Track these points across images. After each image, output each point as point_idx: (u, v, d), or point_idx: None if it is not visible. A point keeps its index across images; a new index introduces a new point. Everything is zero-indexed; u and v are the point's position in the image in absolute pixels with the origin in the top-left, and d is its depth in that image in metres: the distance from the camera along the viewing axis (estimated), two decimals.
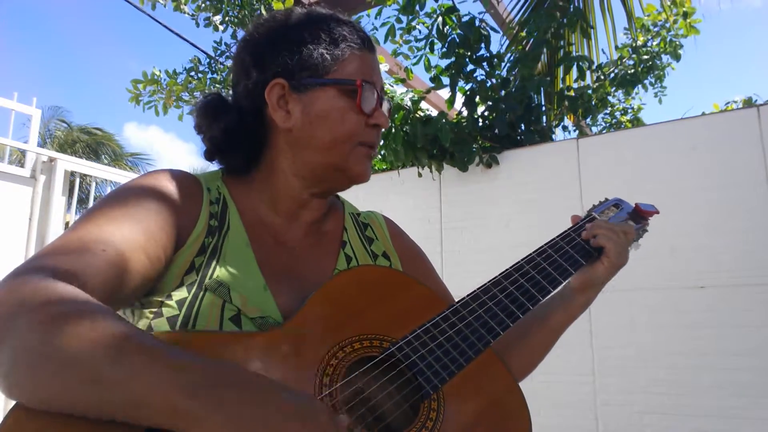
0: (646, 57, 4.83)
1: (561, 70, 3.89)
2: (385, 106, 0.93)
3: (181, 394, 0.54)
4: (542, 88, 3.49)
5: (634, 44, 4.93)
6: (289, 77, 0.87)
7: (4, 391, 0.58)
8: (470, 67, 3.57)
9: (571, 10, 3.65)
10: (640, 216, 1.10)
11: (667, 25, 4.83)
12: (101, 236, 0.71)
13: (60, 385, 0.55)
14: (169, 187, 0.83)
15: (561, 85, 4.05)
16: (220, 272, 0.80)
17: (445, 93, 4.13)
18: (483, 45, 3.53)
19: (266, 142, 0.92)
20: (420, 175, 3.47)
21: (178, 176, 0.86)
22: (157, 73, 4.99)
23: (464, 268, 3.18)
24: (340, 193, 1.04)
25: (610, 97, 5.32)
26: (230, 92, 0.96)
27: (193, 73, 5.17)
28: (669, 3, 4.57)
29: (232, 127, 0.89)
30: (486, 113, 3.56)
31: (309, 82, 0.86)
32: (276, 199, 0.92)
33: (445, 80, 3.59)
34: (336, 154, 0.88)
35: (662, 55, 4.95)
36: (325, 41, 0.87)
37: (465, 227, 3.29)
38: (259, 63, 0.89)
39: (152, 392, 0.54)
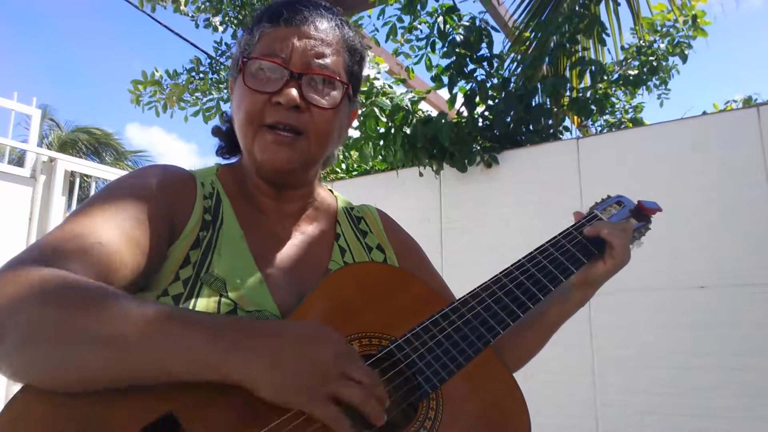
0: (651, 58, 4.81)
1: (569, 73, 3.90)
2: (306, 82, 0.83)
3: (214, 347, 0.60)
4: (555, 90, 3.48)
5: (639, 44, 4.91)
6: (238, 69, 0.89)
7: (12, 376, 0.60)
8: (471, 66, 3.57)
9: (589, 15, 3.64)
10: (642, 214, 1.08)
11: (677, 25, 4.80)
12: (95, 230, 0.71)
13: (74, 358, 0.58)
14: (163, 181, 0.83)
15: (568, 87, 4.04)
16: (215, 266, 0.80)
17: (445, 93, 4.12)
18: (484, 45, 3.53)
19: None
20: (421, 175, 3.46)
21: (172, 171, 0.87)
22: (158, 73, 4.99)
23: (464, 268, 3.18)
24: (336, 190, 1.05)
25: (612, 98, 5.31)
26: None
27: (194, 74, 5.16)
28: (678, 3, 4.55)
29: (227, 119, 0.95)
30: (486, 113, 3.56)
31: (236, 72, 0.88)
32: (254, 193, 0.93)
33: (446, 80, 3.59)
34: (245, 140, 0.86)
35: (668, 57, 4.92)
36: (253, 26, 0.88)
37: (465, 227, 3.29)
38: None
39: (182, 351, 0.60)
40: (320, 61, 0.84)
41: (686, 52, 4.78)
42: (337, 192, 1.07)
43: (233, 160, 0.99)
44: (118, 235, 0.72)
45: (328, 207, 1.01)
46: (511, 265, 0.91)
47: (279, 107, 0.82)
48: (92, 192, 4.79)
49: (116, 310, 0.60)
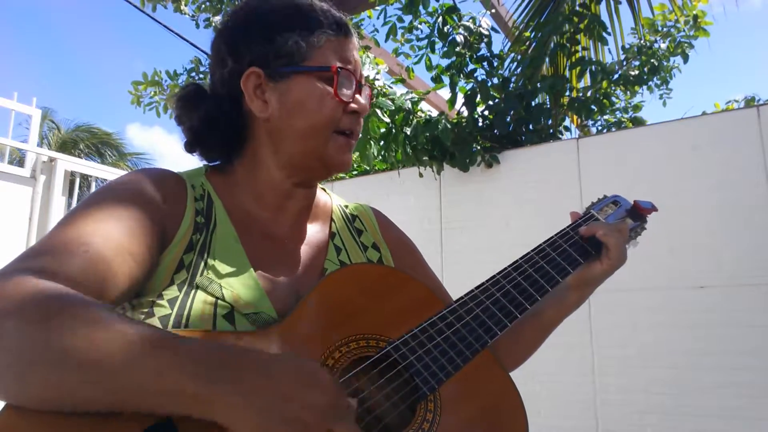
0: (653, 59, 4.80)
1: (569, 72, 3.90)
2: (365, 92, 0.91)
3: (196, 381, 0.56)
4: (555, 90, 3.48)
5: (640, 44, 4.91)
6: (264, 66, 0.85)
7: None
8: (471, 66, 3.57)
9: (589, 15, 3.64)
10: (638, 213, 1.09)
11: (678, 25, 4.79)
12: (84, 238, 0.69)
13: (58, 382, 0.56)
14: (152, 185, 0.81)
15: (568, 87, 4.04)
16: (210, 269, 0.79)
17: (445, 93, 4.12)
18: (484, 45, 3.53)
19: (246, 133, 0.91)
20: (421, 175, 3.46)
21: (160, 174, 0.85)
22: (158, 74, 5.00)
23: (464, 268, 3.18)
24: (336, 190, 1.04)
25: (612, 97, 5.30)
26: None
27: (194, 74, 5.16)
28: (680, 3, 4.54)
29: (211, 116, 0.88)
30: (486, 113, 3.56)
31: (285, 71, 0.85)
32: (261, 192, 0.91)
33: (446, 80, 3.59)
34: (314, 143, 0.86)
35: (669, 57, 4.91)
36: (299, 27, 0.85)
37: (465, 227, 3.29)
38: (233, 52, 0.87)
39: (161, 381, 0.56)
40: (361, 71, 0.92)
41: (687, 52, 4.78)
42: (336, 192, 1.06)
43: (196, 156, 0.95)
44: (108, 243, 0.70)
45: (324, 206, 1.01)
46: (509, 266, 0.91)
47: (353, 115, 0.88)
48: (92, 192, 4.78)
49: (99, 333, 0.57)
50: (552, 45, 3.82)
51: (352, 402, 0.64)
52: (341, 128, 0.87)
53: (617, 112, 5.61)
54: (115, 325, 0.58)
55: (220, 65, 0.89)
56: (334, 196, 1.06)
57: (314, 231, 0.95)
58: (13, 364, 0.56)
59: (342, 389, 0.63)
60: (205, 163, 0.95)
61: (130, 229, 0.74)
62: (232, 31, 0.90)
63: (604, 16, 4.07)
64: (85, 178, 4.84)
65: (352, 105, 0.87)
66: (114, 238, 0.71)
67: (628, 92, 5.33)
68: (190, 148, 0.91)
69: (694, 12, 4.52)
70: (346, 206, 1.05)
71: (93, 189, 4.71)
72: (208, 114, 0.88)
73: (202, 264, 0.79)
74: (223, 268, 0.80)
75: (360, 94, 0.89)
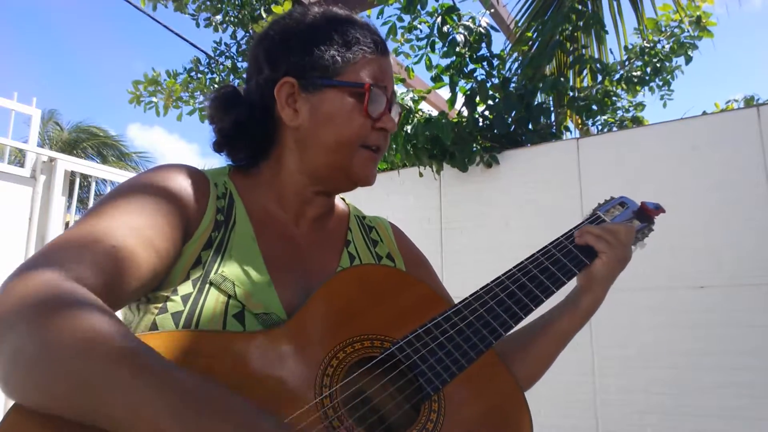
0: (654, 60, 4.79)
1: (571, 72, 3.90)
2: (395, 111, 0.93)
3: (168, 416, 0.54)
4: (556, 90, 3.48)
5: (643, 44, 4.90)
6: (299, 76, 0.87)
7: (4, 392, 0.58)
8: (471, 66, 3.57)
9: (587, 13, 3.64)
10: (645, 215, 1.09)
11: (683, 26, 4.79)
12: (109, 231, 0.70)
13: (52, 389, 0.56)
14: (177, 181, 0.83)
15: (569, 86, 4.04)
16: (225, 267, 0.80)
17: (445, 93, 4.12)
18: (484, 44, 3.53)
19: (274, 138, 0.93)
20: (421, 175, 3.46)
21: (185, 170, 0.86)
22: (157, 73, 5.00)
23: (464, 268, 3.18)
24: (344, 193, 1.05)
25: (613, 97, 5.30)
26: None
27: (193, 74, 5.16)
28: (684, 4, 4.54)
29: (242, 121, 0.90)
30: (486, 113, 3.56)
31: (319, 83, 0.87)
32: (282, 195, 0.92)
33: (446, 79, 3.59)
34: (340, 156, 0.88)
35: (672, 57, 4.90)
36: (337, 43, 0.88)
37: (465, 227, 3.29)
38: (271, 60, 0.89)
39: (138, 410, 0.54)
40: (394, 90, 0.94)
41: (690, 53, 4.77)
42: (344, 196, 1.07)
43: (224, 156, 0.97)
44: (132, 236, 0.71)
45: (341, 214, 1.03)
46: (513, 267, 0.91)
47: (381, 132, 0.90)
48: (92, 192, 4.78)
49: (97, 349, 0.56)
50: (553, 43, 3.82)
51: None
52: (368, 143, 0.89)
53: (618, 112, 5.61)
54: (114, 342, 0.57)
55: (257, 72, 0.91)
56: (352, 206, 1.08)
57: (330, 237, 0.97)
58: (17, 365, 0.57)
59: None
60: (229, 163, 0.97)
61: (154, 223, 0.75)
62: (272, 39, 0.91)
63: (608, 17, 4.08)
64: (85, 178, 4.84)
65: (382, 123, 0.89)
66: (139, 231, 0.72)
67: (630, 92, 5.33)
68: (218, 148, 0.94)
69: (698, 12, 4.51)
70: (364, 217, 1.07)
71: (93, 189, 4.70)
72: (239, 118, 0.90)
73: (218, 261, 0.80)
74: (238, 267, 0.81)
75: (390, 113, 0.90)
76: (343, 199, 1.07)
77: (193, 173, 0.87)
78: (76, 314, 0.59)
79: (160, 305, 0.76)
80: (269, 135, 0.92)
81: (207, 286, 0.77)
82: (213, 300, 0.76)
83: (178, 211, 0.79)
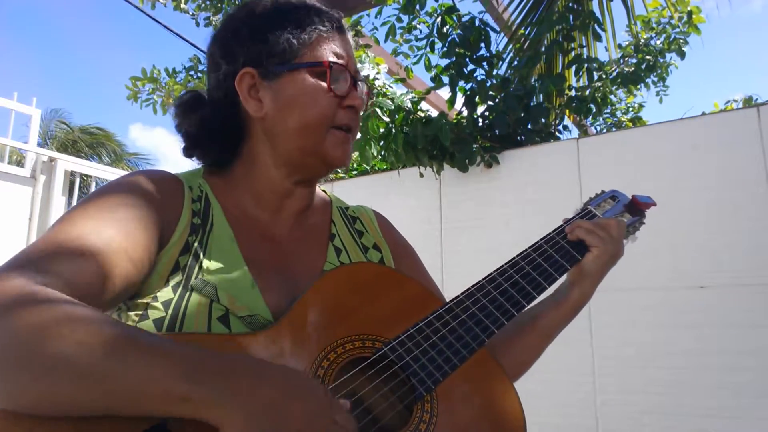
0: (648, 57, 4.81)
1: (566, 71, 3.89)
2: (361, 87, 0.91)
3: (185, 382, 0.56)
4: (553, 89, 3.47)
5: (636, 42, 4.91)
6: (257, 65, 0.86)
7: None
8: (470, 66, 3.57)
9: (584, 11, 3.63)
10: (637, 208, 1.08)
11: (672, 22, 4.80)
12: (81, 238, 0.69)
13: (49, 387, 0.55)
14: (149, 186, 0.81)
15: (567, 87, 4.03)
16: (206, 271, 0.79)
17: (445, 93, 4.12)
18: (483, 45, 3.53)
19: (243, 133, 0.91)
20: (421, 175, 3.46)
21: (157, 176, 0.85)
22: (157, 71, 4.99)
23: (464, 268, 3.18)
24: (336, 190, 1.03)
25: (611, 96, 5.30)
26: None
27: (192, 72, 5.16)
28: (673, 0, 4.54)
29: (207, 120, 0.88)
30: (486, 113, 3.56)
31: (278, 69, 0.85)
32: (259, 192, 0.91)
33: (446, 80, 3.59)
34: (311, 139, 0.86)
35: (666, 54, 4.92)
36: (291, 26, 0.86)
37: (465, 227, 3.28)
38: (226, 54, 0.88)
39: (152, 383, 0.55)
40: (358, 67, 0.92)
41: (683, 49, 4.78)
42: (335, 191, 1.06)
43: (196, 161, 0.95)
44: (106, 243, 0.70)
45: (323, 208, 1.01)
46: (505, 264, 0.91)
47: (350, 110, 0.88)
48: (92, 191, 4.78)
49: (88, 337, 0.56)
50: (547, 43, 3.82)
51: (345, 418, 0.62)
52: (338, 123, 0.87)
53: (617, 112, 5.62)
54: (104, 329, 0.58)
55: (215, 69, 0.90)
56: (335, 198, 1.06)
57: (313, 233, 0.95)
58: (3, 367, 0.56)
59: (336, 402, 0.62)
60: (202, 164, 0.94)
61: (127, 230, 0.73)
62: (225, 34, 0.90)
63: (598, 14, 4.07)
64: (85, 178, 4.84)
65: (349, 100, 0.87)
66: (111, 239, 0.71)
67: (628, 93, 5.34)
68: (187, 152, 0.92)
69: (689, 8, 4.51)
70: (347, 208, 1.05)
71: (93, 189, 4.71)
72: (204, 118, 0.88)
73: (198, 266, 0.79)
74: (219, 270, 0.79)
75: (356, 89, 0.88)
76: (324, 191, 1.05)
77: (166, 178, 0.86)
78: (60, 312, 0.58)
79: (141, 312, 0.74)
80: (237, 130, 0.91)
81: (188, 291, 0.76)
82: (195, 305, 0.75)
83: (150, 217, 0.77)
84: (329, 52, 0.87)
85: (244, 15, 0.90)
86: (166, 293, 0.75)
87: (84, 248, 0.68)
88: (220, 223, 0.86)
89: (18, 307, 0.58)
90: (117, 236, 0.72)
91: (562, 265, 0.92)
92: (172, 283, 0.76)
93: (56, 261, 0.66)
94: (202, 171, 0.93)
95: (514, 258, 0.92)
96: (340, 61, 0.87)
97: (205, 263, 0.80)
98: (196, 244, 0.81)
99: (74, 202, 4.23)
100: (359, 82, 0.91)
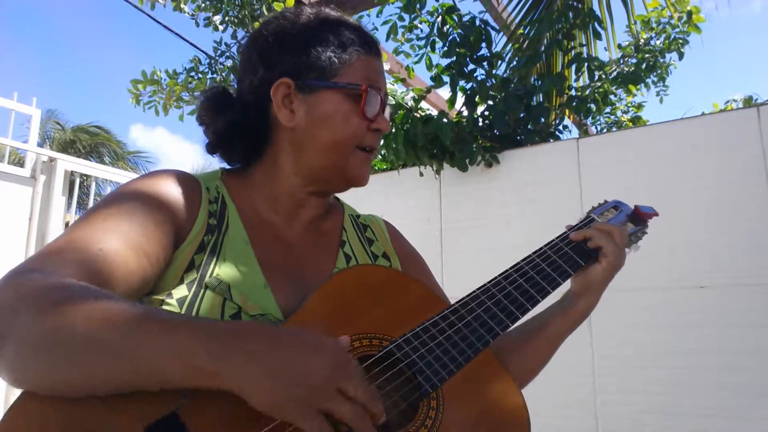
0: (648, 55, 4.82)
1: (566, 70, 3.89)
2: (387, 111, 0.94)
3: (207, 353, 0.59)
4: (552, 88, 3.48)
5: (636, 42, 4.93)
6: (295, 77, 0.87)
7: (12, 382, 0.60)
8: (471, 66, 3.57)
9: (584, 10, 3.63)
10: (639, 218, 1.10)
11: (672, 21, 4.82)
12: (99, 238, 0.71)
13: (74, 366, 0.58)
14: (167, 186, 0.83)
15: (568, 87, 4.04)
16: (220, 270, 0.80)
17: (445, 93, 4.13)
18: (483, 45, 3.53)
19: (268, 139, 0.93)
20: (421, 174, 3.46)
21: (176, 176, 0.87)
22: (158, 73, 4.99)
23: (464, 268, 3.18)
24: (340, 194, 1.05)
25: (611, 96, 5.31)
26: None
27: (193, 73, 5.16)
28: (673, 0, 4.55)
29: (236, 121, 0.90)
30: (486, 113, 3.56)
31: (315, 84, 0.87)
32: (275, 197, 0.93)
33: (446, 79, 3.59)
34: (336, 157, 0.89)
35: (665, 54, 4.93)
36: (333, 44, 0.88)
37: (465, 227, 3.29)
38: (266, 61, 0.90)
39: (176, 356, 0.59)
40: (386, 89, 0.95)
41: (682, 49, 4.80)
42: (342, 196, 1.08)
43: (217, 158, 0.98)
44: (122, 242, 0.72)
45: (335, 215, 1.03)
46: (510, 268, 0.92)
47: (376, 133, 0.91)
48: (92, 192, 4.78)
49: (114, 317, 0.60)
50: (546, 42, 3.82)
51: (353, 360, 0.66)
52: (363, 144, 0.90)
53: (618, 112, 5.63)
54: (130, 309, 0.61)
55: (251, 72, 0.91)
56: (347, 206, 1.08)
57: (325, 238, 0.97)
58: (32, 352, 0.59)
59: (345, 350, 0.66)
60: (223, 165, 0.97)
61: (145, 229, 0.75)
62: (266, 39, 0.91)
63: (597, 14, 4.07)
64: (85, 178, 4.84)
65: (376, 124, 0.90)
66: (129, 238, 0.73)
67: (628, 93, 5.35)
68: (212, 149, 0.94)
69: (688, 8, 4.52)
70: (358, 216, 1.07)
71: (93, 189, 4.71)
72: (234, 119, 0.90)
73: (212, 265, 0.81)
74: (233, 270, 0.81)
75: (383, 113, 0.91)
76: (337, 198, 1.07)
77: (184, 178, 0.87)
78: (82, 295, 0.61)
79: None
80: (264, 135, 0.92)
81: (202, 289, 0.78)
82: (209, 302, 0.77)
83: (168, 216, 0.79)
84: (366, 75, 0.89)
85: (288, 23, 0.91)
86: (180, 291, 0.77)
87: (102, 247, 0.71)
88: (235, 225, 0.87)
89: (44, 296, 0.61)
90: (135, 235, 0.74)
91: (565, 270, 0.93)
92: (186, 280, 0.78)
93: (75, 260, 0.68)
94: (220, 173, 0.95)
95: (518, 263, 0.94)
96: (375, 86, 0.90)
97: (220, 263, 0.81)
98: (211, 244, 0.83)
99: (74, 201, 4.23)
100: (387, 106, 0.94)
